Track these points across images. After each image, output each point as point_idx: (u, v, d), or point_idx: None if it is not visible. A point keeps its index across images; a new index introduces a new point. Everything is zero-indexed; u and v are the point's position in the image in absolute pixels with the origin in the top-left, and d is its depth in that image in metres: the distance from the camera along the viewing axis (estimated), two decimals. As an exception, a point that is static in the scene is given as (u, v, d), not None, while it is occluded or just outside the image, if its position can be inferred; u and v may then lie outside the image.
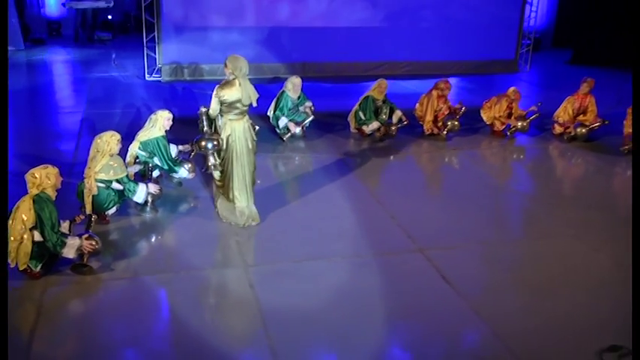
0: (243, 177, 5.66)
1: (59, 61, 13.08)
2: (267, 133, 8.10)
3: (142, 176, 6.22)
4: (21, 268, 4.66)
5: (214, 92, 5.47)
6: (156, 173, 6.34)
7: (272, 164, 7.53)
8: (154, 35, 10.99)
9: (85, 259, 4.83)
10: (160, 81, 11.13)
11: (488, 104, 8.81)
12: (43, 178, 4.65)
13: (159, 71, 11.21)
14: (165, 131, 6.34)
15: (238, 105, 5.46)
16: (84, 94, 10.26)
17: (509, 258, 5.55)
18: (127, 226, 5.75)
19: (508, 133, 8.71)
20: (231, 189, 5.70)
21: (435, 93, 8.56)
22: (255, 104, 5.56)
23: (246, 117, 5.64)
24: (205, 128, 5.58)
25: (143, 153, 6.23)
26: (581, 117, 8.67)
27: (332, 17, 11.77)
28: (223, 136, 5.56)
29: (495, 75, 12.51)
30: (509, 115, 8.71)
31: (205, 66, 11.26)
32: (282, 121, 8.14)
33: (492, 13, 12.38)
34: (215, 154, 5.61)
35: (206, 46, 10.97)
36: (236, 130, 5.54)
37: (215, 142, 5.55)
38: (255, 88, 5.60)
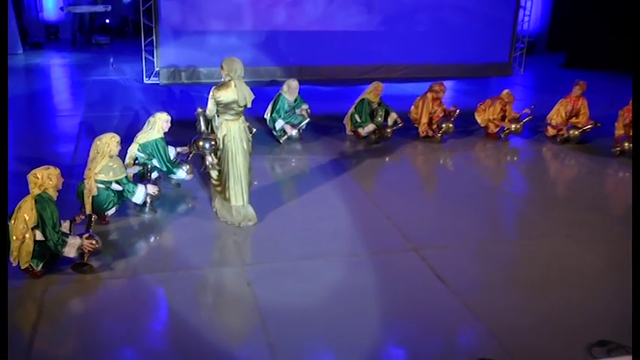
0: (239, 176, 5.74)
1: (57, 64, 13.15)
2: (264, 136, 8.20)
3: (141, 177, 6.31)
4: (23, 267, 4.74)
5: (211, 93, 5.58)
6: (154, 174, 6.43)
7: (269, 166, 7.62)
8: (152, 39, 11.08)
9: (86, 259, 4.90)
10: (158, 84, 11.22)
11: (483, 107, 8.91)
12: (45, 178, 4.74)
13: (157, 74, 11.30)
14: (164, 133, 6.43)
15: (234, 106, 5.56)
16: (82, 98, 10.34)
17: (503, 257, 5.64)
18: (126, 227, 5.83)
19: (502, 136, 8.81)
20: (227, 188, 5.80)
21: (429, 95, 8.67)
22: (249, 105, 5.66)
23: (242, 118, 5.74)
24: (202, 128, 5.68)
25: (142, 155, 6.32)
26: (573, 119, 8.77)
27: (328, 21, 11.88)
28: (220, 136, 5.66)
29: (490, 78, 12.63)
30: (503, 118, 8.82)
31: (203, 69, 11.36)
32: (279, 124, 8.23)
33: (486, 17, 12.51)
34: (212, 154, 5.71)
35: (204, 50, 11.08)
36: (232, 130, 5.64)
37: (212, 142, 5.65)
38: (252, 91, 5.71)
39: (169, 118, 6.47)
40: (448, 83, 9.80)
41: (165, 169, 6.42)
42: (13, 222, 4.66)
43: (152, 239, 5.72)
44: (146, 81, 11.30)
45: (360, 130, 8.49)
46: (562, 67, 13.98)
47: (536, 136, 9.02)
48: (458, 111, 8.70)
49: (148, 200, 6.01)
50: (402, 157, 8.19)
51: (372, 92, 8.51)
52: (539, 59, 14.76)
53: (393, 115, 8.56)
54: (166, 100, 10.22)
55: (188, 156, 6.68)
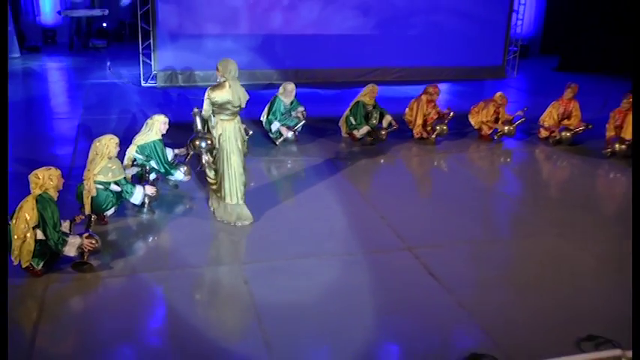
0: (234, 175, 5.84)
1: (55, 68, 13.22)
2: (260, 138, 8.30)
3: (140, 179, 6.39)
4: (24, 266, 4.81)
5: (206, 94, 5.70)
6: (152, 176, 6.52)
7: (265, 167, 7.72)
8: (150, 42, 11.18)
9: (86, 258, 4.98)
10: (155, 87, 11.31)
11: (476, 109, 9.03)
12: (46, 179, 4.83)
13: (154, 77, 11.39)
14: (162, 135, 6.52)
15: (229, 106, 5.67)
16: (80, 101, 10.41)
17: (496, 256, 5.73)
18: (125, 227, 5.91)
19: (495, 137, 8.92)
20: (222, 187, 5.90)
21: (424, 98, 8.78)
22: (243, 105, 5.76)
23: (238, 118, 5.84)
24: (199, 128, 5.79)
25: (140, 156, 6.41)
26: (565, 121, 8.89)
27: (324, 25, 12.00)
28: (215, 135, 5.78)
29: (483, 81, 12.76)
30: (497, 120, 8.93)
31: (200, 72, 11.46)
32: (275, 126, 8.33)
33: (480, 21, 12.65)
34: (208, 153, 5.81)
35: (200, 53, 11.17)
36: (227, 130, 5.75)
37: (208, 142, 5.76)
38: (248, 93, 5.81)
39: (167, 120, 6.56)
40: (442, 86, 9.91)
41: (163, 170, 6.51)
42: (14, 221, 4.74)
43: (150, 239, 5.80)
44: (144, 84, 11.38)
45: (355, 132, 8.59)
46: (555, 70, 14.13)
47: (529, 138, 9.14)
48: (452, 113, 8.81)
49: (146, 201, 6.09)
50: (397, 159, 8.29)
51: (367, 95, 8.61)
52: (533, 62, 14.91)
53: (388, 118, 8.66)
54: (163, 103, 10.30)
55: (185, 157, 6.79)
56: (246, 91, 5.88)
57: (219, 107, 5.69)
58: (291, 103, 8.47)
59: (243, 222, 5.97)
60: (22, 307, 4.61)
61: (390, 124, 8.64)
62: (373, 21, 12.22)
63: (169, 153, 6.66)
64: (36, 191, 4.81)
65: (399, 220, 6.27)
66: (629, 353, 3.96)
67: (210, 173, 5.97)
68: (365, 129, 8.53)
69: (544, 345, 4.35)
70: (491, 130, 8.92)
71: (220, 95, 5.62)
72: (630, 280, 5.20)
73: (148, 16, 11.08)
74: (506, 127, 8.85)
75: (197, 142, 5.79)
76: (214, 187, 6.01)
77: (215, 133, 5.78)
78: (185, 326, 4.44)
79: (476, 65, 12.91)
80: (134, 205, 6.07)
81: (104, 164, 5.71)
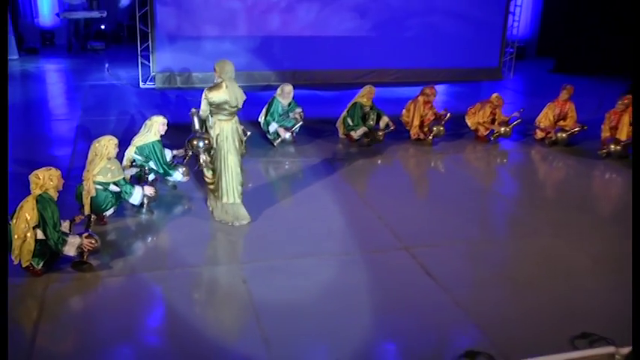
0: (231, 175, 5.90)
1: (53, 70, 13.23)
2: (258, 139, 8.34)
3: (138, 179, 6.43)
4: (24, 266, 4.86)
5: (204, 94, 5.78)
6: (151, 176, 6.56)
7: (263, 168, 7.76)
8: (148, 44, 11.22)
9: (85, 257, 5.03)
10: (153, 88, 11.35)
11: (473, 110, 9.09)
12: (46, 179, 4.88)
13: (153, 79, 11.44)
14: (160, 136, 6.57)
15: (226, 106, 5.73)
16: (79, 102, 10.43)
17: (492, 255, 5.79)
18: (124, 227, 5.95)
19: (492, 138, 8.98)
20: (220, 187, 5.95)
21: (421, 99, 8.84)
22: (240, 106, 5.82)
23: (236, 118, 5.90)
24: (196, 128, 5.86)
25: (139, 157, 6.45)
26: (561, 122, 8.95)
27: (321, 27, 12.04)
28: (213, 135, 5.84)
29: (480, 82, 12.81)
30: (493, 121, 8.99)
31: (198, 74, 11.49)
32: (273, 127, 8.38)
33: (476, 23, 12.70)
34: (206, 153, 5.87)
35: (199, 55, 11.19)
36: (225, 130, 5.81)
37: (206, 141, 5.83)
38: (246, 95, 5.87)
39: (165, 121, 6.61)
40: (439, 87, 9.96)
41: (161, 171, 6.56)
42: (14, 221, 4.79)
43: (149, 239, 5.85)
44: (142, 85, 11.42)
45: (352, 133, 8.64)
46: (551, 71, 14.19)
47: (525, 139, 9.20)
48: (448, 115, 8.87)
49: (145, 201, 6.14)
50: (394, 160, 8.35)
51: (364, 96, 8.67)
52: (529, 64, 14.98)
53: (385, 119, 8.72)
54: (162, 104, 10.33)
55: (184, 158, 6.83)
56: (245, 92, 5.95)
57: (216, 107, 5.75)
58: (289, 104, 8.53)
59: (241, 222, 6.02)
60: (23, 306, 4.66)
61: (387, 125, 8.69)
62: (370, 23, 12.27)
63: (168, 154, 6.71)
64: (36, 191, 4.86)
65: (396, 220, 6.32)
66: (623, 350, 4.01)
67: (208, 173, 6.03)
68: (362, 130, 8.58)
69: (539, 342, 4.41)
70: (487, 131, 8.98)
71: (217, 95, 5.67)
72: (625, 279, 5.27)
73: (146, 18, 11.12)
74: (502, 129, 8.91)
75: (195, 142, 5.85)
76: (212, 186, 6.07)
77: (213, 133, 5.84)
78: (184, 325, 4.49)
79: (472, 67, 12.96)
80: (133, 205, 6.12)
81: (103, 165, 5.75)
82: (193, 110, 5.91)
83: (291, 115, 8.51)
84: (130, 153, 6.45)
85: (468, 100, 9.88)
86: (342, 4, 12.02)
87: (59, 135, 8.78)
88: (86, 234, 5.05)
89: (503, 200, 7.38)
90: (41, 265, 4.91)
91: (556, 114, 8.95)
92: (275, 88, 8.90)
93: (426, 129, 8.86)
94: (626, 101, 8.47)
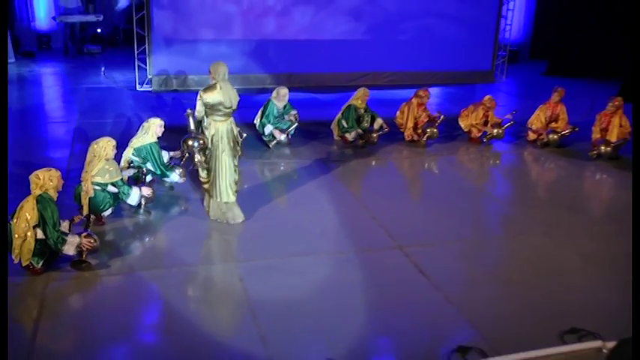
0: (225, 174, 5.99)
1: (49, 73, 13.28)
2: (253, 141, 8.43)
3: (136, 180, 6.52)
4: (24, 264, 4.93)
5: (199, 95, 5.89)
6: (149, 177, 6.64)
7: (259, 169, 7.85)
8: (145, 47, 11.31)
9: (84, 256, 5.11)
10: (150, 91, 11.43)
11: (466, 112, 9.20)
12: (46, 179, 4.96)
13: (149, 82, 11.52)
14: (158, 138, 6.66)
15: (221, 107, 5.84)
16: (76, 105, 10.49)
17: (484, 254, 5.90)
18: (122, 227, 6.03)
19: (484, 140, 9.09)
20: (214, 186, 6.05)
21: (415, 101, 8.94)
22: (234, 106, 5.92)
23: (231, 119, 6.00)
24: (192, 128, 5.96)
25: (137, 158, 6.53)
26: (553, 124, 9.07)
27: (316, 30, 12.15)
28: (208, 136, 5.94)
29: (473, 85, 12.93)
30: (486, 123, 9.11)
31: (194, 77, 11.58)
32: (268, 129, 8.48)
33: (469, 27, 12.82)
34: (201, 153, 5.96)
35: (195, 58, 11.28)
36: (220, 131, 5.91)
37: (201, 142, 5.93)
38: (242, 98, 5.97)
39: (163, 123, 6.70)
40: (433, 90, 10.06)
41: (159, 172, 6.64)
42: (15, 221, 4.87)
43: (147, 239, 5.92)
44: (139, 88, 11.50)
45: (347, 135, 8.74)
46: (544, 74, 14.34)
47: (518, 141, 9.31)
48: (442, 117, 8.98)
49: (143, 202, 6.21)
50: (388, 161, 8.45)
51: (358, 98, 8.77)
52: (522, 67, 15.12)
53: (379, 121, 8.82)
54: (158, 107, 10.41)
55: (181, 160, 6.92)
56: (240, 95, 6.06)
57: (211, 108, 5.85)
58: (284, 107, 8.62)
59: (236, 220, 6.11)
60: (23, 304, 4.72)
61: (381, 127, 8.79)
62: (365, 26, 12.39)
63: (165, 155, 6.79)
64: (36, 191, 4.94)
65: (390, 220, 6.41)
66: (610, 344, 4.12)
67: (203, 172, 6.13)
68: (357, 132, 8.68)
69: (529, 337, 4.50)
70: (480, 133, 9.09)
71: (212, 97, 5.78)
72: (613, 277, 5.44)
73: (143, 22, 11.21)
74: (495, 130, 9.02)
75: (190, 142, 5.97)
76: (206, 186, 6.17)
77: (208, 133, 5.94)
78: (181, 322, 4.57)
79: (465, 70, 13.09)
80: (131, 206, 6.20)
81: (102, 166, 5.83)
82: (189, 111, 6.02)
83: (286, 117, 8.60)
84: (128, 154, 6.54)
85: (461, 103, 9.99)
86: (336, 7, 12.13)
87: (56, 137, 8.84)
88: (85, 233, 5.13)
89: (495, 200, 7.49)
90: (41, 264, 4.99)
91: (548, 116, 9.07)
92: (270, 90, 9.00)
93: (419, 131, 8.96)
94: (616, 103, 8.60)
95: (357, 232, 6.12)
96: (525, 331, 4.62)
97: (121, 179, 6.02)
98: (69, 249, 5.01)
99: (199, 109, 5.92)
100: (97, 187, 5.82)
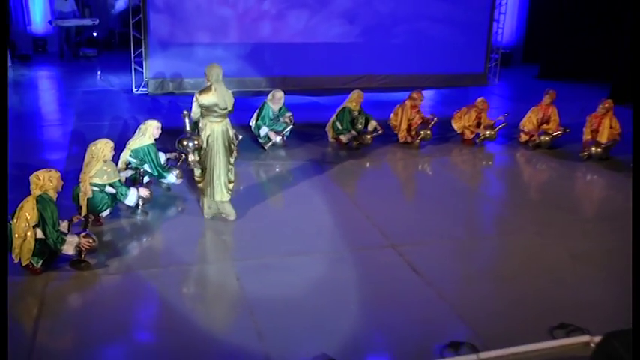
0: (219, 174, 6.09)
1: (46, 77, 13.33)
2: (249, 143, 8.51)
3: (133, 181, 6.60)
4: (24, 264, 5.01)
5: (194, 97, 6.01)
6: (146, 179, 6.72)
7: (254, 171, 7.93)
8: (141, 51, 11.39)
9: (83, 256, 5.18)
10: (146, 94, 11.51)
11: (459, 114, 9.31)
12: (46, 180, 5.05)
13: (145, 85, 11.60)
14: (155, 140, 6.75)
15: (216, 108, 5.94)
16: (72, 108, 10.54)
17: (476, 253, 6.01)
18: (120, 228, 6.11)
19: (477, 142, 9.19)
20: (208, 185, 6.15)
21: (408, 103, 9.05)
22: (230, 108, 6.03)
23: (226, 120, 6.10)
24: (187, 129, 6.07)
25: (134, 160, 6.62)
26: (544, 126, 9.18)
27: (311, 33, 12.26)
28: (203, 136, 6.04)
29: (466, 87, 13.05)
30: (479, 125, 9.22)
31: (190, 80, 11.65)
32: (263, 131, 8.57)
33: (462, 30, 12.95)
34: (195, 153, 6.06)
35: (191, 61, 11.35)
36: (215, 131, 6.01)
37: (195, 142, 6.03)
38: (237, 100, 6.08)
39: (160, 125, 6.79)
40: (426, 92, 10.15)
41: (156, 173, 6.73)
42: (15, 221, 4.94)
43: (144, 239, 6.00)
44: (135, 91, 11.58)
45: (341, 137, 8.83)
46: (536, 77, 14.49)
47: (510, 142, 9.42)
48: (435, 119, 9.08)
49: (140, 203, 6.29)
50: (382, 163, 8.55)
51: (353, 101, 8.86)
52: (515, 70, 15.27)
53: (373, 123, 8.92)
54: (154, 109, 10.48)
55: (177, 161, 7.02)
56: (236, 97, 6.17)
57: (206, 109, 5.96)
58: (280, 109, 8.71)
59: (228, 217, 6.23)
60: (23, 303, 4.79)
61: (375, 129, 8.89)
62: (359, 29, 12.50)
63: (162, 157, 6.88)
64: (36, 192, 5.02)
65: (384, 219, 6.51)
66: (597, 339, 4.23)
67: (197, 172, 6.23)
68: (351, 134, 8.78)
69: (520, 333, 4.61)
70: (473, 135, 9.20)
71: (207, 98, 5.89)
72: (602, 274, 5.56)
73: (139, 25, 11.30)
74: (487, 132, 9.13)
75: (185, 142, 6.08)
76: (201, 185, 6.27)
77: (203, 134, 6.04)
78: (179, 320, 4.65)
79: (458, 72, 13.22)
80: (128, 206, 6.28)
81: (100, 167, 5.91)
82: (185, 112, 6.15)
83: (281, 119, 8.70)
84: (126, 156, 6.62)
85: (454, 105, 10.09)
86: (331, 11, 12.25)
87: (53, 140, 8.91)
88: (84, 233, 5.21)
89: (488, 201, 7.60)
90: (40, 263, 5.06)
91: (539, 118, 9.19)
92: (266, 93, 9.09)
93: (413, 133, 9.06)
94: (606, 105, 8.73)
95: (351, 231, 6.22)
96: (516, 326, 4.73)
97: (119, 180, 6.10)
98: (68, 249, 5.09)
99: (195, 110, 6.04)
100: (95, 188, 5.90)
